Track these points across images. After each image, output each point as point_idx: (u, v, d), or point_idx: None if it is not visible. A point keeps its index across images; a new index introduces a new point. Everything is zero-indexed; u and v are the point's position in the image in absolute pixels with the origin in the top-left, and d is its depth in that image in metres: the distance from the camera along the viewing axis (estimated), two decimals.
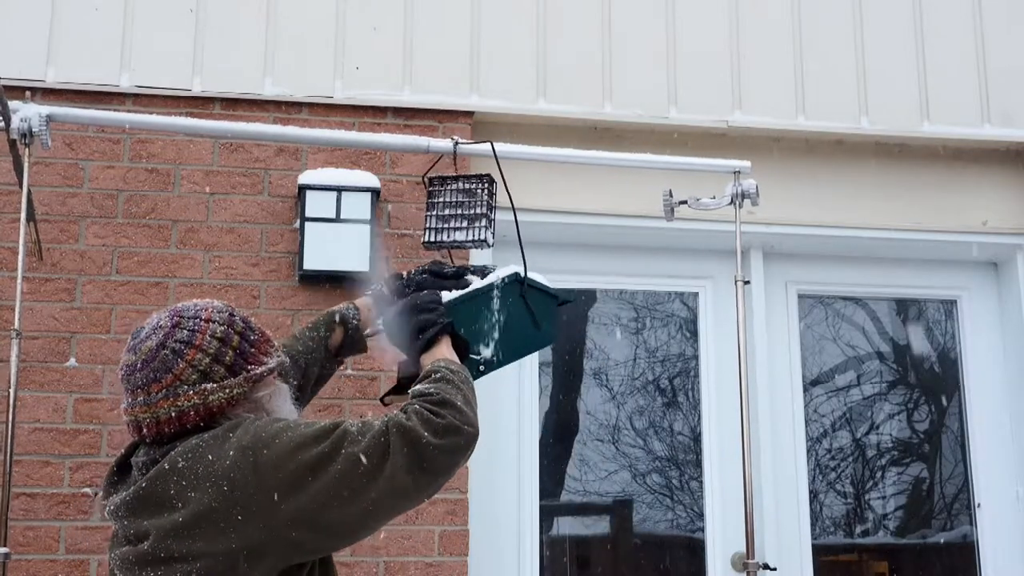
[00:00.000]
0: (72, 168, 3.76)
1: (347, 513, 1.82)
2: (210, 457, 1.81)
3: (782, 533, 4.13)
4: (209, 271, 3.77)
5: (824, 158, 4.31)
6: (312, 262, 3.73)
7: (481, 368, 2.25)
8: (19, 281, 2.66)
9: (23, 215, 2.71)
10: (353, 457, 1.81)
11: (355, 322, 2.36)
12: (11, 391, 2.60)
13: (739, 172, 3.01)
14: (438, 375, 1.99)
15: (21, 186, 2.76)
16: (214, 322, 1.94)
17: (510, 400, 4.09)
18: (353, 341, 2.37)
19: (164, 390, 1.88)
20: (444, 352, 2.12)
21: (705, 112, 4.16)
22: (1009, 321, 4.43)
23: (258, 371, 1.94)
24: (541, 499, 4.08)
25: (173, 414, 1.88)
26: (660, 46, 4.18)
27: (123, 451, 1.99)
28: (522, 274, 2.31)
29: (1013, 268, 4.40)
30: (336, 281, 3.78)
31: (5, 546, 2.53)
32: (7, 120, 2.69)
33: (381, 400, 2.28)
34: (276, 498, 1.78)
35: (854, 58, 4.29)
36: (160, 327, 1.93)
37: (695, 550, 4.20)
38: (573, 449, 4.28)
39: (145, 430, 1.90)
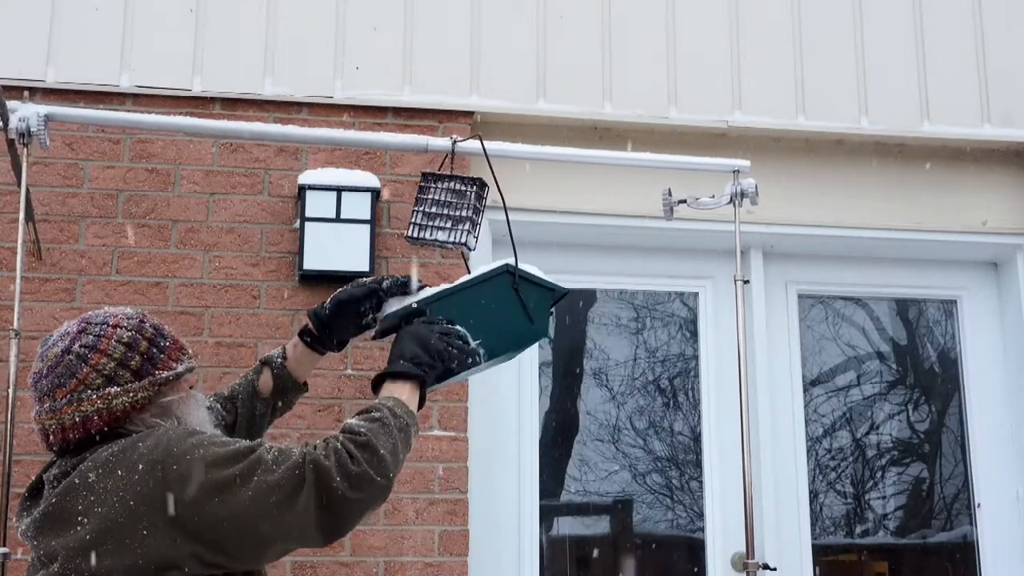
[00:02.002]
0: (72, 168, 3.76)
1: (252, 540, 1.79)
2: (120, 472, 1.79)
3: (782, 533, 4.13)
4: (209, 271, 3.77)
5: (824, 158, 4.31)
6: (312, 262, 3.73)
7: (468, 362, 2.20)
8: (18, 281, 2.66)
9: (21, 215, 2.70)
10: (264, 486, 1.77)
11: (279, 361, 2.36)
12: (10, 391, 2.60)
13: (738, 171, 3.00)
14: (377, 415, 1.93)
15: (20, 186, 2.75)
16: (121, 327, 1.93)
17: (510, 400, 4.09)
18: (282, 381, 2.36)
19: (69, 395, 1.87)
20: (405, 392, 2.04)
21: (705, 112, 4.15)
22: (1009, 321, 4.43)
23: (164, 375, 1.92)
24: (541, 499, 4.08)
25: (77, 419, 1.86)
26: (660, 46, 4.18)
27: (36, 475, 1.97)
28: (513, 266, 2.26)
29: (1013, 268, 4.39)
30: (336, 281, 3.77)
31: (5, 546, 2.52)
32: (5, 120, 2.69)
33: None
34: (183, 515, 1.76)
35: (854, 58, 4.29)
36: (67, 333, 1.93)
37: (695, 550, 4.19)
38: (573, 449, 4.28)
39: (52, 437, 1.89)
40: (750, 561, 2.87)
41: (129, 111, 3.72)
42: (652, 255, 4.30)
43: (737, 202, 3.00)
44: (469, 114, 4.00)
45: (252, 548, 1.82)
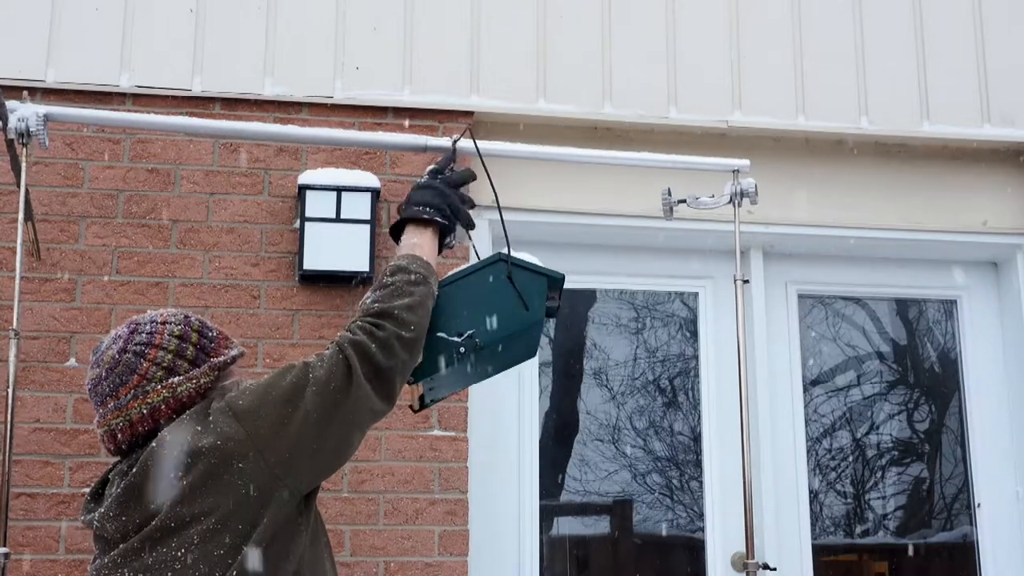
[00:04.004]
0: (72, 168, 3.76)
1: (333, 433, 1.93)
2: (198, 428, 1.88)
3: (782, 533, 4.13)
4: (209, 271, 3.77)
5: (824, 158, 4.31)
6: (312, 262, 3.73)
7: (462, 350, 2.23)
8: (18, 281, 2.66)
9: (21, 215, 2.70)
10: (321, 381, 1.92)
11: None
12: (10, 391, 2.60)
13: (738, 171, 3.00)
14: (387, 280, 2.13)
15: (20, 186, 2.75)
16: (170, 323, 2.03)
17: (510, 400, 4.09)
18: None
19: (132, 391, 1.95)
20: (427, 238, 2.25)
21: (705, 112, 4.15)
22: (1009, 321, 4.43)
23: (221, 359, 2.03)
24: (541, 499, 4.08)
25: (145, 411, 1.94)
26: (660, 46, 4.18)
27: (99, 479, 2.03)
28: (506, 255, 2.31)
29: (1013, 268, 4.39)
30: (336, 281, 3.78)
31: (5, 546, 2.52)
32: (4, 120, 2.68)
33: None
34: (267, 436, 1.87)
35: (854, 58, 4.29)
36: (119, 337, 2.02)
37: (695, 550, 4.19)
38: (573, 449, 4.28)
39: (120, 435, 1.96)
40: (750, 561, 2.87)
41: (129, 111, 3.72)
42: (652, 255, 4.30)
43: (737, 202, 3.00)
44: (469, 114, 4.00)
45: (337, 441, 1.95)
